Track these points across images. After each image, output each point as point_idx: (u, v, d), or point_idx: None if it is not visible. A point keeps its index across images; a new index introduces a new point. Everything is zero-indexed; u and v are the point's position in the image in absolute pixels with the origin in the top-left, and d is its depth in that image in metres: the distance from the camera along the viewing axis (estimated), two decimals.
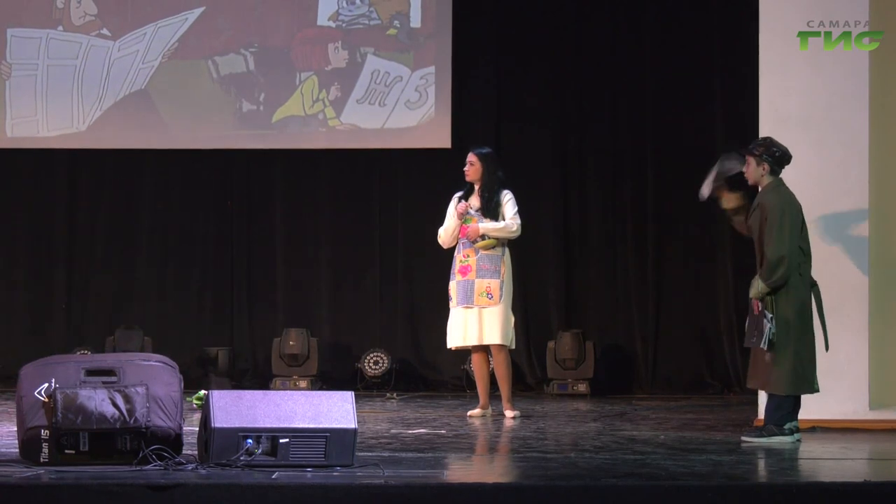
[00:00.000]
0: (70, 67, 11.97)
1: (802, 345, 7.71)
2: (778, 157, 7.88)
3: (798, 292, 7.71)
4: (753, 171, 7.91)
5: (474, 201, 9.38)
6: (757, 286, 7.75)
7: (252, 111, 11.97)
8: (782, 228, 7.70)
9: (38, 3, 12.02)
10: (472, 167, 9.41)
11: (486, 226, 9.27)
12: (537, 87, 12.03)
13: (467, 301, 9.21)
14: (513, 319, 9.37)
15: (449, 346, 9.43)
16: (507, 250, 9.35)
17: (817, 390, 7.82)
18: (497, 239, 9.29)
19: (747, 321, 7.92)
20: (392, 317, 12.12)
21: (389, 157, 12.05)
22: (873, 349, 8.68)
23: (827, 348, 7.82)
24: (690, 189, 11.84)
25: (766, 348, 7.67)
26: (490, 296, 9.19)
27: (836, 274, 8.49)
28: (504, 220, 9.29)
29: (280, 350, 11.64)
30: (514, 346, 9.44)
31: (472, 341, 9.24)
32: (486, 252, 9.25)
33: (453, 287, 9.29)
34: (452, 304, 9.30)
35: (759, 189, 7.95)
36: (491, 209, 9.32)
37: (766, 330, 7.66)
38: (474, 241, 9.26)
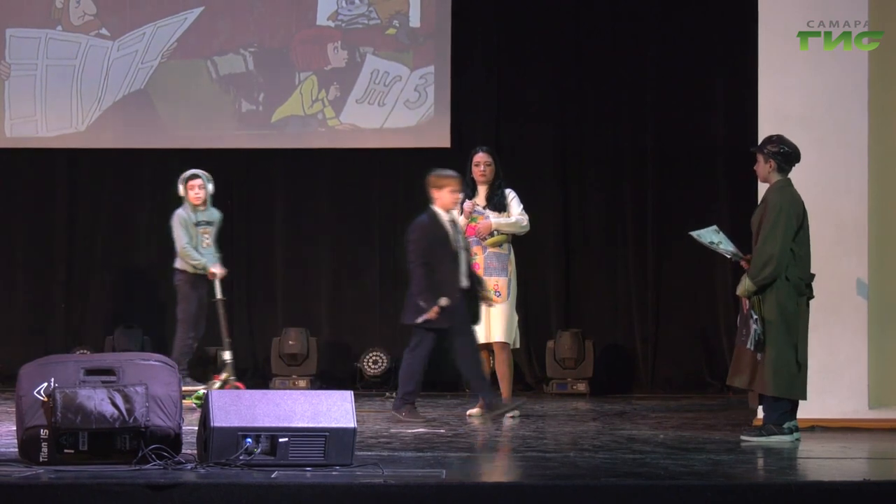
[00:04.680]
0: (69, 67, 11.96)
1: (786, 347, 7.69)
2: (785, 154, 7.86)
3: (780, 295, 7.69)
4: (762, 167, 7.92)
5: (479, 201, 9.37)
6: (744, 284, 7.75)
7: (251, 111, 11.97)
8: (776, 228, 7.69)
9: (37, 3, 12.01)
10: (490, 168, 9.38)
11: (499, 221, 9.26)
12: (537, 86, 12.01)
13: None
14: (517, 318, 9.36)
15: None
16: (512, 249, 9.35)
17: (804, 397, 7.79)
18: (507, 234, 9.27)
19: (738, 318, 7.94)
20: (391, 316, 12.09)
21: (389, 156, 12.03)
22: (873, 349, 8.68)
23: (805, 361, 7.78)
24: (690, 189, 11.94)
25: (752, 349, 7.68)
26: (498, 293, 9.18)
27: (836, 274, 8.49)
28: (511, 215, 9.29)
29: (279, 350, 11.63)
30: (518, 346, 9.42)
31: (479, 339, 9.21)
32: (493, 250, 9.24)
33: None
34: None
35: (768, 186, 7.96)
36: (497, 208, 9.30)
37: (752, 331, 7.67)
38: (484, 239, 9.24)
